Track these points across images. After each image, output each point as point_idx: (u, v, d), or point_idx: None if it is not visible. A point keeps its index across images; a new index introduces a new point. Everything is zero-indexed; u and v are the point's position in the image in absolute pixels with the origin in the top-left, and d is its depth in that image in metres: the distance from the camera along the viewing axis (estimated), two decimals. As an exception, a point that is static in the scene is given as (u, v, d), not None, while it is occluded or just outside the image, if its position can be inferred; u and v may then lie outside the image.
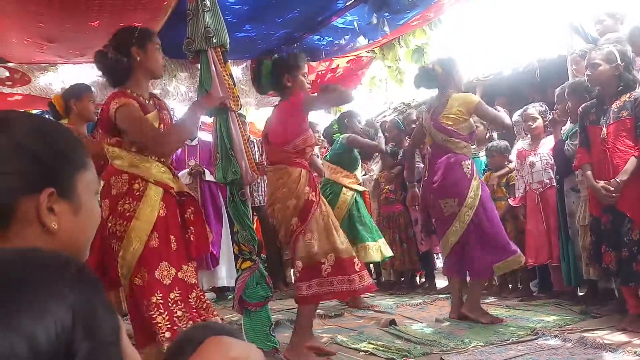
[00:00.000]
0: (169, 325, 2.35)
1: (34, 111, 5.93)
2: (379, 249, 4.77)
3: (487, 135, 5.08)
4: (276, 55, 3.54)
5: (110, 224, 2.45)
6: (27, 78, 4.19)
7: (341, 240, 3.12)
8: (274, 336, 3.10)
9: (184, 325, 2.35)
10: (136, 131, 2.51)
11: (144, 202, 2.45)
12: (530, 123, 4.43)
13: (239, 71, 4.78)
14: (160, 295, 2.39)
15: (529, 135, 4.53)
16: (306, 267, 3.04)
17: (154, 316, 2.36)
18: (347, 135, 4.92)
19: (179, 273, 2.47)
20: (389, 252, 4.87)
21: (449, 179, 3.67)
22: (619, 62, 3.20)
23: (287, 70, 3.26)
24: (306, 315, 3.12)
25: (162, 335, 2.34)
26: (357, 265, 3.11)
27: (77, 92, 3.60)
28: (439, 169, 3.72)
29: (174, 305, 2.40)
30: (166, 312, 2.37)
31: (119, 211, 2.45)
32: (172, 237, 2.50)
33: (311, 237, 3.04)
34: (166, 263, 2.44)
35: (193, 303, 2.48)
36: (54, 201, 0.85)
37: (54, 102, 3.65)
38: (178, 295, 2.43)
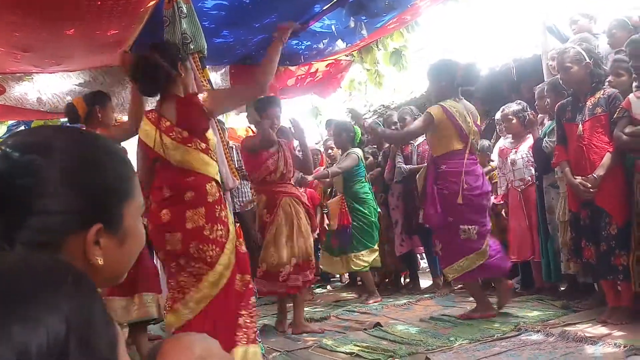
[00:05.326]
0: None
1: (10, 122, 5.82)
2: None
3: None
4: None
5: (207, 232, 2.52)
6: (2, 88, 4.11)
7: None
8: (260, 341, 3.09)
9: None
10: (235, 96, 2.89)
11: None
12: (506, 124, 4.49)
13: (217, 77, 4.76)
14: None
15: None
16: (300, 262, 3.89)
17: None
18: None
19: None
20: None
21: None
22: (587, 60, 3.27)
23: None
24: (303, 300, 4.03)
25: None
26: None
27: (102, 100, 3.49)
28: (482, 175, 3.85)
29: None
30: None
31: (214, 235, 2.54)
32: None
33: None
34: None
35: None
36: (101, 235, 0.80)
37: (76, 105, 3.45)
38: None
